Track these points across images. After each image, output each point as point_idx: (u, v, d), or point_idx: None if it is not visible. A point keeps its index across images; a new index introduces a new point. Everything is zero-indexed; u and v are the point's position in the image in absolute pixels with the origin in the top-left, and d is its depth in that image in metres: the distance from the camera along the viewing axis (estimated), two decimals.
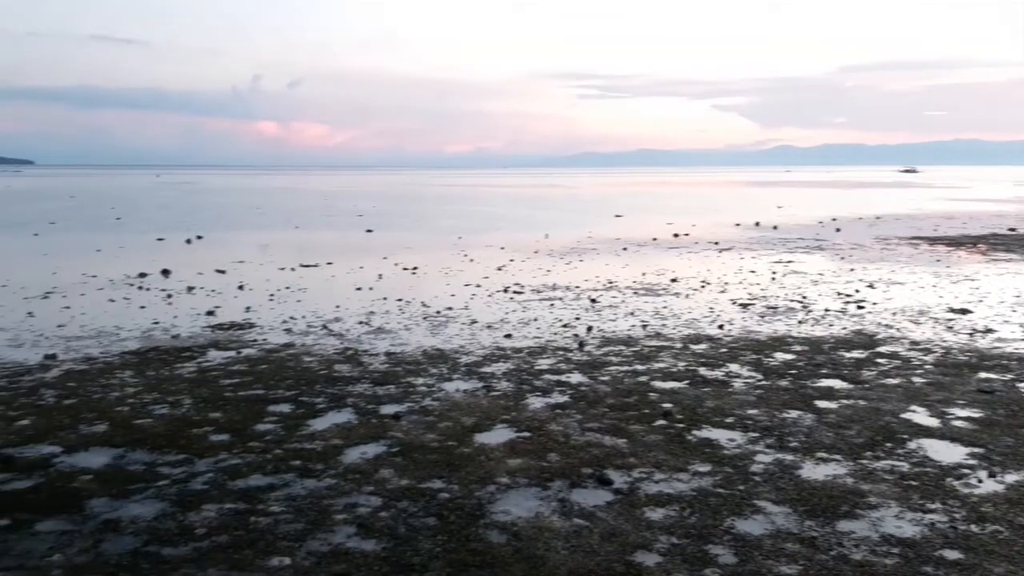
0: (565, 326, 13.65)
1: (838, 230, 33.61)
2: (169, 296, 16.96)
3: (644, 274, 20.33)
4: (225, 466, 7.20)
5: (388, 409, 8.92)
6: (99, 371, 10.64)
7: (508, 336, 12.85)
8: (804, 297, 16.61)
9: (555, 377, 10.30)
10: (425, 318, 14.45)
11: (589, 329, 13.37)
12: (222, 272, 20.69)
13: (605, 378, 10.24)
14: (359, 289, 17.92)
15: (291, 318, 14.44)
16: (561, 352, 11.74)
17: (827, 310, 15.10)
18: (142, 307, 15.64)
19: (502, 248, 26.66)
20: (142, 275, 19.92)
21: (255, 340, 12.63)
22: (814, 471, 7.10)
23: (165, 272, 20.43)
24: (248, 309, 15.36)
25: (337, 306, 15.69)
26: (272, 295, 17.08)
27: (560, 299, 16.55)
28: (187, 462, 7.32)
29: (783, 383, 9.98)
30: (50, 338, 12.78)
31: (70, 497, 6.51)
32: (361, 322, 14.08)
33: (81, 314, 14.84)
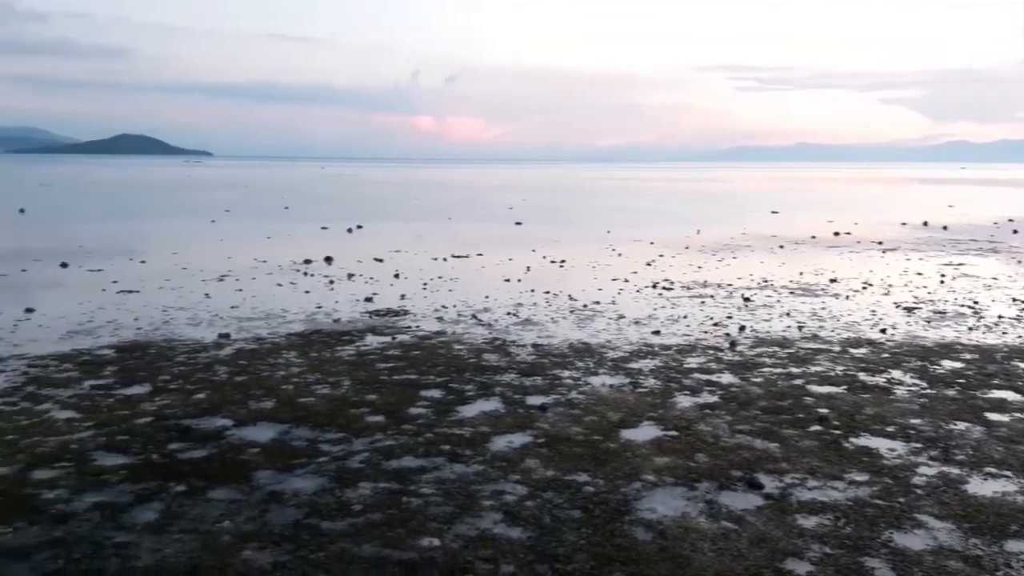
0: (716, 324, 13.37)
1: (1015, 232, 31.21)
2: (331, 282, 17.78)
3: (801, 273, 19.60)
4: (380, 446, 7.51)
5: (534, 400, 9.03)
6: (267, 351, 11.31)
7: (656, 333, 12.72)
8: (975, 302, 15.55)
9: (704, 376, 10.11)
10: (572, 311, 14.50)
11: (741, 328, 13.04)
12: (380, 261, 21.50)
13: (757, 380, 9.97)
14: (508, 281, 18.19)
15: (443, 307, 14.84)
16: (711, 351, 11.51)
17: (1001, 317, 14.08)
18: (307, 292, 16.49)
19: (652, 243, 26.35)
20: (307, 261, 20.98)
21: (409, 327, 13.07)
22: (982, 487, 6.66)
23: (328, 259, 21.43)
24: (403, 297, 15.90)
25: (486, 296, 15.99)
26: (425, 284, 17.60)
27: (711, 297, 16.21)
28: (345, 440, 7.68)
29: (950, 392, 9.40)
30: (224, 318, 13.68)
31: (239, 468, 6.96)
32: (509, 313, 14.30)
33: (252, 297, 15.81)
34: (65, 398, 8.92)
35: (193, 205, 46.51)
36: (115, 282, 17.36)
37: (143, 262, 20.82)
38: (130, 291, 16.30)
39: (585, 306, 15.01)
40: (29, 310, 13.98)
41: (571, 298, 15.83)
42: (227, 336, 12.22)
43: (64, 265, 19.92)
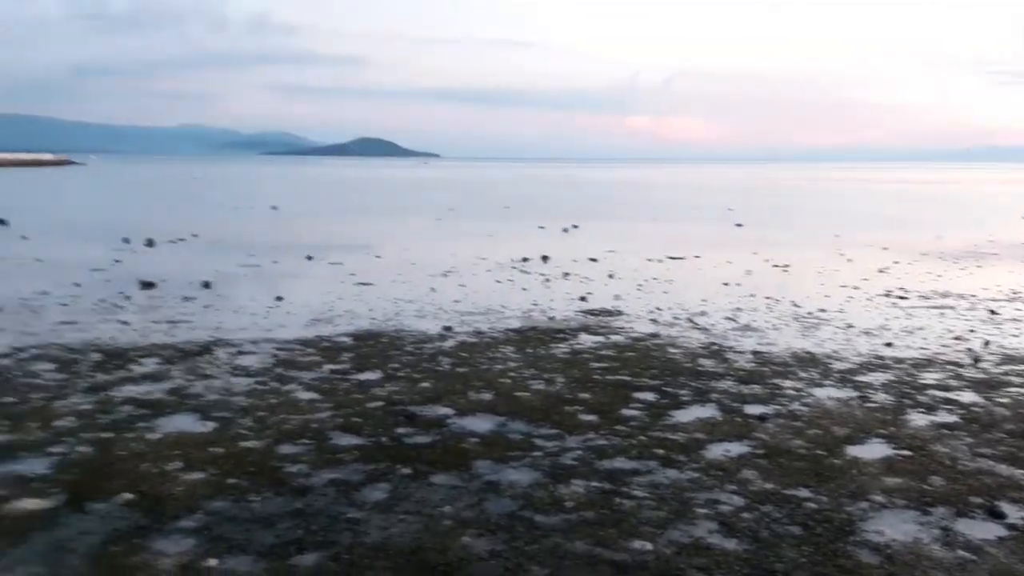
0: (957, 338, 12.32)
1: None
2: (547, 280, 18.14)
3: None
4: (593, 445, 7.58)
5: (753, 409, 8.75)
6: (486, 344, 11.73)
7: (889, 344, 11.91)
8: None
9: (942, 394, 9.36)
10: (796, 318, 13.90)
11: (986, 343, 11.94)
12: (594, 260, 21.65)
13: (1004, 400, 9.09)
14: (726, 284, 17.72)
15: (657, 308, 14.72)
16: (951, 367, 10.62)
17: None
18: (524, 289, 16.93)
19: (885, 248, 24.70)
20: (524, 260, 21.53)
21: (623, 327, 13.07)
22: None
23: (544, 258, 21.87)
24: (617, 297, 15.93)
25: (703, 300, 15.67)
26: (640, 285, 17.53)
27: (952, 308, 14.96)
28: (559, 437, 7.81)
29: None
30: (448, 312, 14.33)
31: (459, 456, 7.28)
32: (727, 318, 13.93)
33: (473, 292, 16.45)
34: (308, 380, 9.71)
35: (422, 204, 49.04)
36: (353, 275, 18.67)
37: (378, 257, 22.23)
38: (365, 284, 17.46)
39: (810, 313, 14.34)
40: (279, 298, 15.35)
41: (795, 304, 15.17)
42: (450, 329, 12.79)
43: (309, 258, 21.68)
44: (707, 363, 10.77)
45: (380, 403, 8.82)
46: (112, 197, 57.62)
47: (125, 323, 13.05)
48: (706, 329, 13.01)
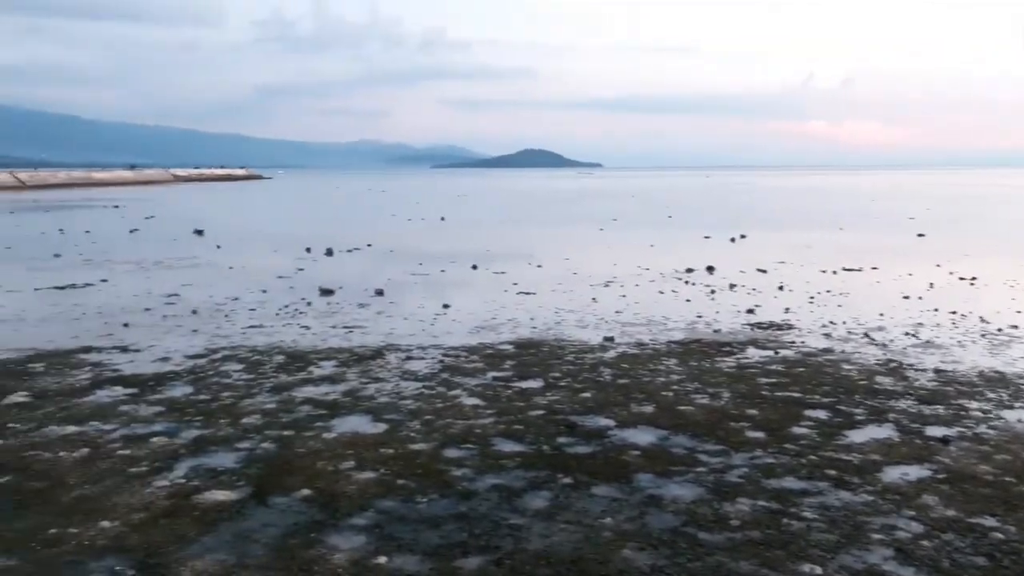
0: None
1: None
2: (712, 292, 17.75)
3: None
4: (760, 463, 7.35)
5: (934, 431, 8.21)
6: (648, 356, 11.61)
7: None
8: None
9: None
10: (983, 335, 12.93)
11: None
12: (763, 271, 20.97)
13: None
14: (906, 298, 16.72)
15: (830, 323, 14.08)
16: None
17: None
18: (688, 300, 16.63)
19: None
20: (689, 270, 21.15)
21: (793, 342, 12.59)
22: None
23: (710, 269, 21.41)
24: (787, 310, 15.36)
25: (880, 314, 14.85)
26: (812, 297, 16.83)
27: None
28: (724, 453, 7.63)
29: None
30: (609, 322, 14.30)
31: (621, 468, 7.25)
32: (907, 333, 13.14)
33: (635, 303, 16.33)
34: (472, 386, 9.96)
35: (583, 214, 49.19)
36: (515, 284, 18.98)
37: (539, 266, 22.49)
38: (527, 293, 17.71)
39: (1000, 330, 13.30)
40: (446, 306, 15.84)
41: (983, 320, 14.12)
42: (611, 339, 12.76)
43: (474, 267, 22.22)
44: (884, 381, 10.20)
45: (541, 411, 8.92)
46: (295, 209, 61.31)
47: (306, 328, 13.85)
48: (884, 345, 12.33)
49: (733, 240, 30.03)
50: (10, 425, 8.44)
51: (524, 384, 10.08)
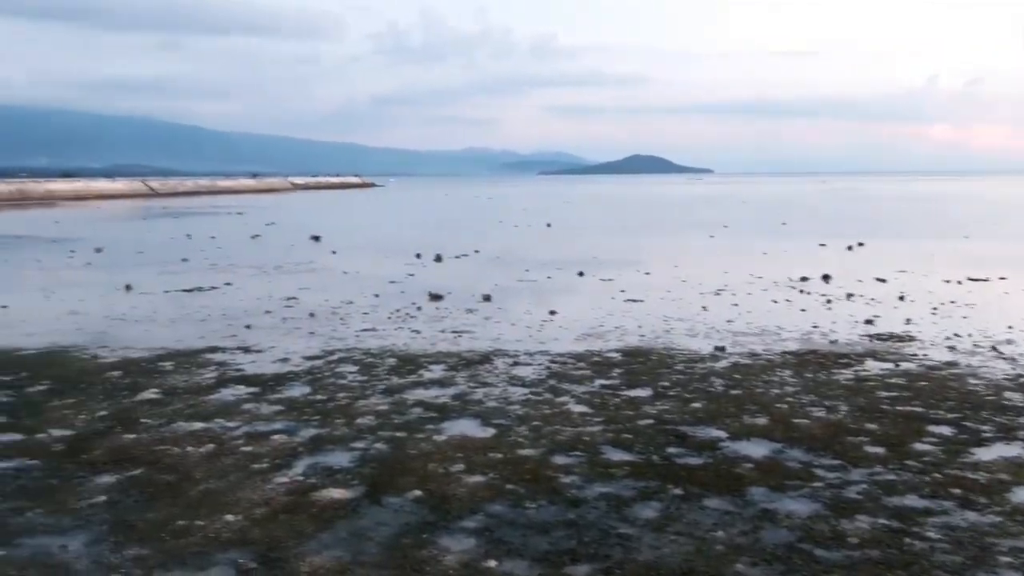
0: None
1: None
2: (828, 301, 17.18)
3: None
4: (880, 480, 7.07)
5: None
6: (761, 367, 11.34)
7: None
8: None
9: None
10: None
11: None
12: (882, 281, 20.16)
13: None
14: None
15: (955, 335, 13.42)
16: None
17: None
18: (802, 310, 16.15)
19: None
20: (803, 279, 20.54)
21: (915, 354, 12.06)
22: None
23: (825, 277, 20.73)
24: (908, 321, 14.72)
25: (1010, 327, 14.06)
26: (935, 308, 16.08)
27: None
28: (841, 468, 7.38)
29: None
30: (720, 331, 14.04)
31: (733, 481, 7.10)
32: None
33: (747, 312, 15.97)
34: (579, 393, 9.95)
35: (693, 221, 48.47)
36: (623, 291, 18.86)
37: (647, 273, 22.28)
38: (635, 300, 17.57)
39: None
40: (552, 312, 15.88)
41: None
42: (722, 349, 12.52)
43: (580, 274, 22.20)
44: (1015, 397, 9.66)
45: (650, 421, 8.84)
46: (405, 216, 62.66)
47: (416, 332, 14.14)
48: (1013, 359, 11.67)
49: (850, 248, 29.00)
50: (142, 420, 8.93)
51: (632, 392, 10.01)
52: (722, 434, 8.40)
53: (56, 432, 8.52)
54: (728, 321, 14.98)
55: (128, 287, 19.91)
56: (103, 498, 6.78)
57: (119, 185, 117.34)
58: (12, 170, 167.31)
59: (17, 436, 8.40)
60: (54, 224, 48.71)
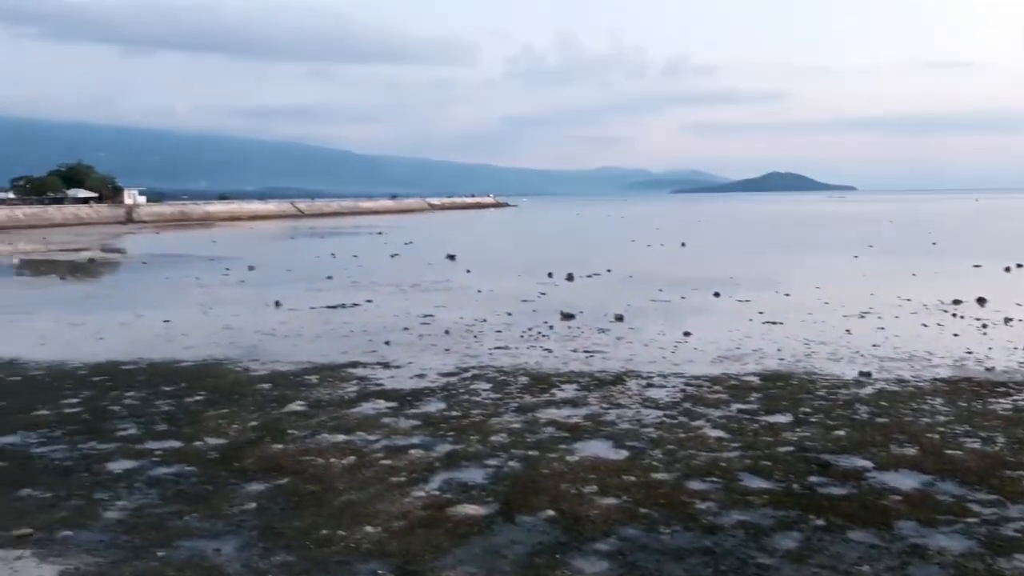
0: None
1: None
2: (984, 326, 16.17)
3: None
4: None
5: None
6: (909, 394, 10.78)
7: None
8: None
9: None
10: None
11: None
12: None
13: None
14: None
15: None
16: None
17: None
18: (955, 335, 15.26)
19: None
20: (956, 302, 19.40)
21: None
22: None
23: (980, 301, 19.52)
24: None
25: None
26: None
27: None
28: (998, 504, 6.92)
29: None
30: (865, 356, 13.44)
31: (879, 513, 6.78)
32: None
33: (894, 336, 15.23)
34: (715, 417, 9.75)
35: (835, 240, 46.67)
36: (761, 312, 18.35)
37: (787, 295, 21.59)
38: (774, 322, 17.06)
39: None
40: (686, 333, 15.63)
41: None
42: (868, 375, 11.98)
43: (716, 294, 21.76)
44: None
45: (791, 448, 8.55)
46: (538, 235, 63.23)
47: (548, 350, 14.23)
48: None
49: (1008, 270, 27.19)
50: (289, 431, 9.37)
51: (772, 418, 9.71)
52: (868, 464, 8.03)
53: (211, 440, 9.05)
54: (874, 345, 14.32)
55: (277, 303, 20.96)
56: (253, 505, 7.15)
57: (270, 206, 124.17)
58: (175, 192, 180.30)
59: (177, 443, 8.98)
60: (211, 243, 51.92)
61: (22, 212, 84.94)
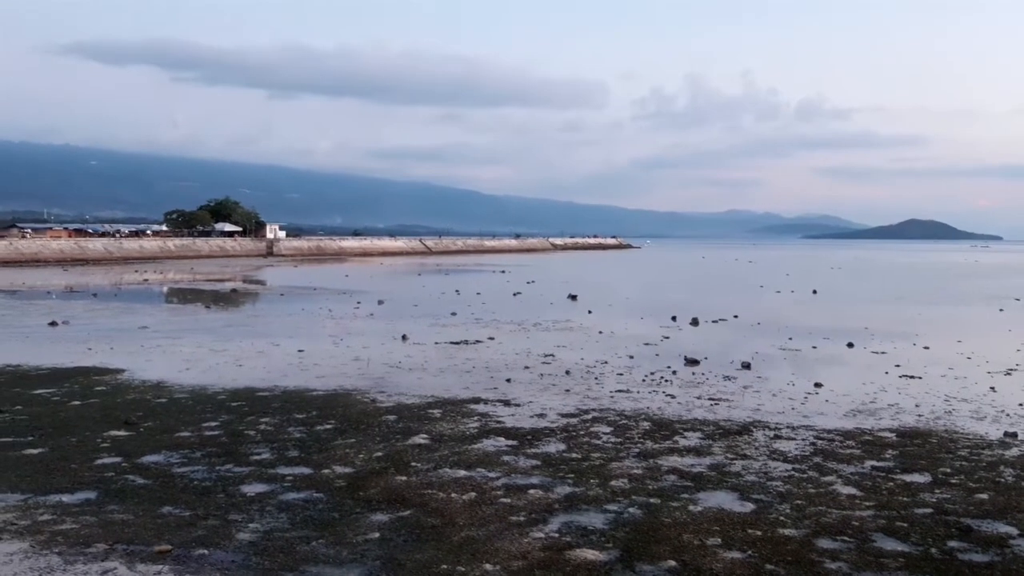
0: None
1: None
2: None
3: None
4: None
5: None
6: None
7: None
8: None
9: None
10: None
11: None
12: None
13: None
14: None
15: None
16: None
17: None
18: None
19: None
20: None
21: None
22: None
23: None
24: None
25: None
26: None
27: None
28: None
29: None
30: (1011, 416, 12.63)
31: None
32: None
33: None
34: (848, 474, 9.34)
35: (979, 292, 44.14)
36: (897, 366, 17.53)
37: (926, 348, 20.55)
38: (912, 376, 16.26)
39: None
40: (818, 385, 15.09)
41: None
42: (1014, 435, 11.24)
43: (850, 345, 20.92)
44: None
45: (929, 509, 8.10)
46: (662, 277, 62.56)
47: (671, 396, 14.01)
48: None
49: None
50: (412, 464, 9.56)
51: (908, 477, 9.23)
52: (1013, 531, 7.51)
53: (339, 469, 9.34)
54: (1020, 405, 13.44)
55: (404, 337, 21.52)
56: (376, 535, 7.32)
57: (399, 243, 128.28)
58: (312, 228, 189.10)
59: (307, 470, 9.32)
60: (344, 277, 53.91)
61: (173, 244, 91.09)
